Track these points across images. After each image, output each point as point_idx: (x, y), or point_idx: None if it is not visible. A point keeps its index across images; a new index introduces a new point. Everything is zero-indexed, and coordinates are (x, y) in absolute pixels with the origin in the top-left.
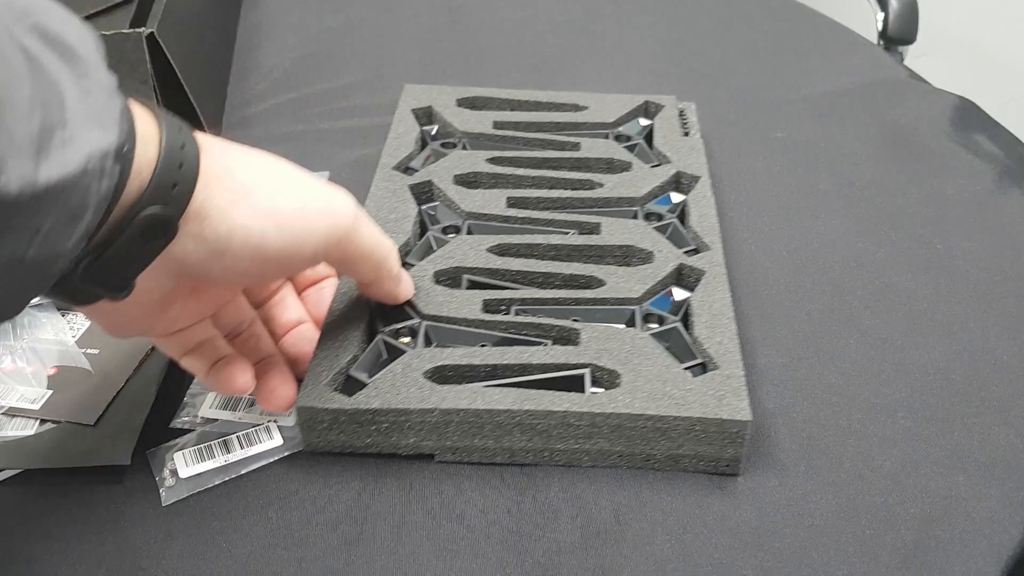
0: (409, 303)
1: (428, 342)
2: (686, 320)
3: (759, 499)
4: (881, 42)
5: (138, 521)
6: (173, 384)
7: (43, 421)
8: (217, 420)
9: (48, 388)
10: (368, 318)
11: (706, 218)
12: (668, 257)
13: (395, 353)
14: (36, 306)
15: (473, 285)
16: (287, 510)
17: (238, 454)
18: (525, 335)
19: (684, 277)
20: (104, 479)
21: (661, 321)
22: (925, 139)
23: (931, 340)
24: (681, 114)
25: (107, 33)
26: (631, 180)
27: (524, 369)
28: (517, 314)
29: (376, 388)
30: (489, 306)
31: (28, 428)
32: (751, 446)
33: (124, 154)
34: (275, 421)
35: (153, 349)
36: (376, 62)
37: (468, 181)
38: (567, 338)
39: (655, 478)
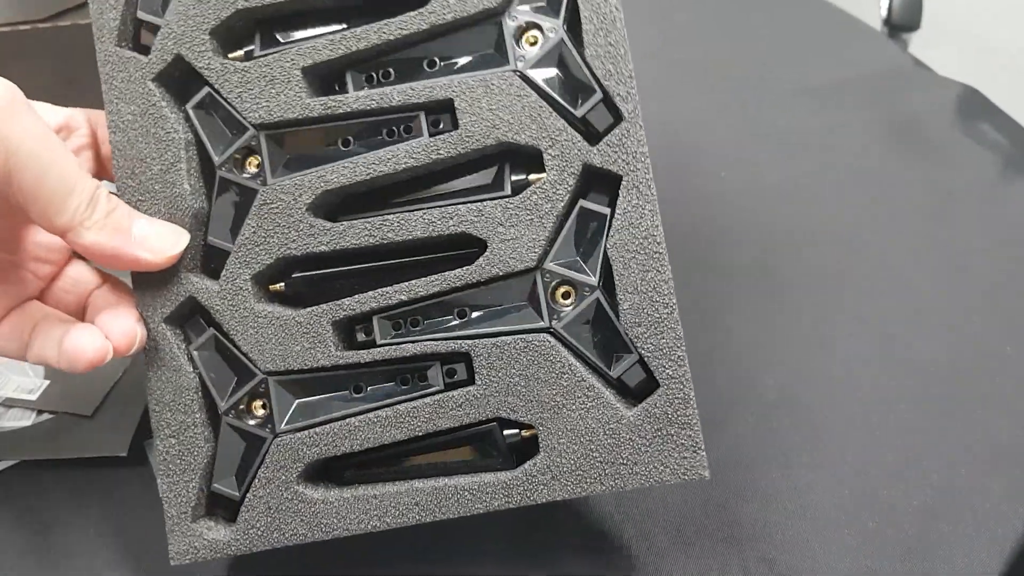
0: (240, 350)
1: (285, 401)
2: (607, 266)
3: (761, 491)
4: (885, 29)
5: (135, 512)
6: None
7: (40, 412)
8: None
9: (45, 379)
10: (198, 383)
11: (609, 33)
12: (564, 158)
13: (253, 441)
14: None
15: (307, 283)
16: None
17: None
18: (402, 366)
19: (595, 180)
20: (101, 470)
21: (575, 288)
22: (929, 128)
23: (935, 332)
24: None
25: None
26: None
27: (416, 440)
28: (384, 332)
29: (251, 514)
30: (343, 327)
31: (25, 419)
32: (753, 439)
33: None
34: None
35: None
36: None
37: (231, 31)
38: (456, 361)
39: None
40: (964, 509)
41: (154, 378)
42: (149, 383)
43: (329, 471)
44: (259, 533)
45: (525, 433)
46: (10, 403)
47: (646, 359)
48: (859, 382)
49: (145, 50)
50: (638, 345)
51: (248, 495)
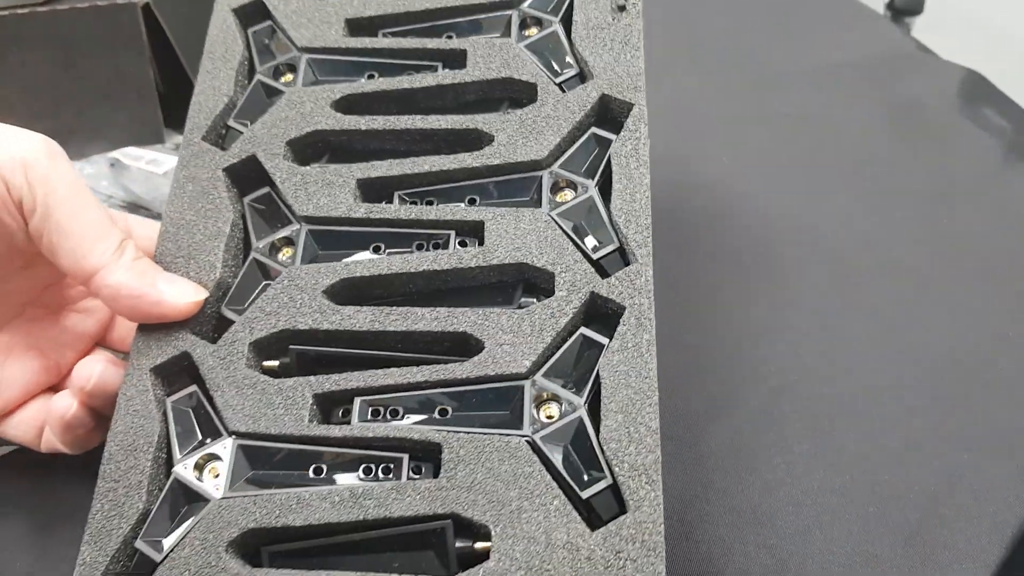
0: (216, 410)
1: (241, 467)
2: (596, 389)
3: (762, 477)
4: (888, 13)
5: None
6: None
7: None
8: None
9: None
10: (161, 435)
11: (635, 193)
12: (574, 284)
13: (195, 500)
14: None
15: (302, 357)
16: None
17: None
18: (370, 448)
19: (597, 311)
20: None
21: (560, 404)
22: (932, 112)
23: (936, 318)
24: None
25: (102, 4)
26: (533, 123)
27: (365, 526)
28: (363, 415)
29: (166, 574)
30: (322, 401)
31: None
32: (755, 425)
33: None
34: None
35: None
36: None
37: (306, 147)
38: (426, 452)
39: None
40: (966, 494)
41: (119, 420)
42: (113, 424)
43: (262, 546)
44: None
45: (478, 546)
46: None
47: (619, 480)
48: (860, 367)
49: (228, 139)
50: (613, 465)
51: (170, 554)
